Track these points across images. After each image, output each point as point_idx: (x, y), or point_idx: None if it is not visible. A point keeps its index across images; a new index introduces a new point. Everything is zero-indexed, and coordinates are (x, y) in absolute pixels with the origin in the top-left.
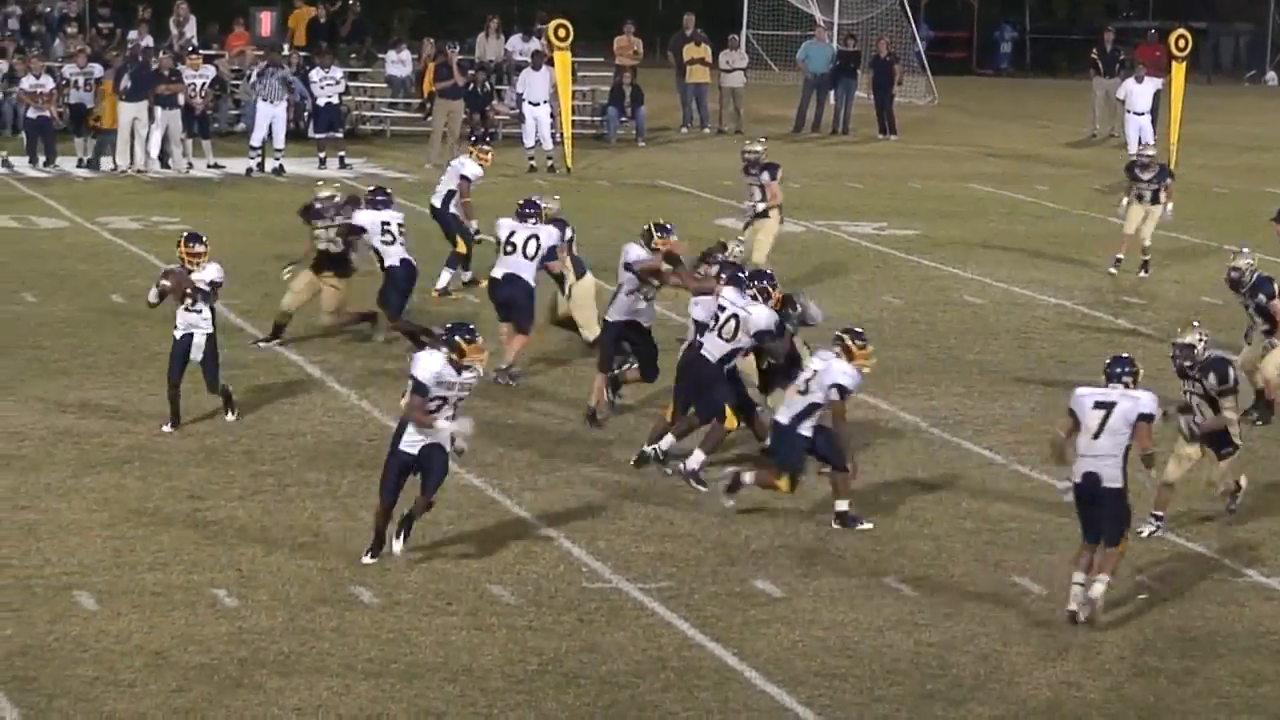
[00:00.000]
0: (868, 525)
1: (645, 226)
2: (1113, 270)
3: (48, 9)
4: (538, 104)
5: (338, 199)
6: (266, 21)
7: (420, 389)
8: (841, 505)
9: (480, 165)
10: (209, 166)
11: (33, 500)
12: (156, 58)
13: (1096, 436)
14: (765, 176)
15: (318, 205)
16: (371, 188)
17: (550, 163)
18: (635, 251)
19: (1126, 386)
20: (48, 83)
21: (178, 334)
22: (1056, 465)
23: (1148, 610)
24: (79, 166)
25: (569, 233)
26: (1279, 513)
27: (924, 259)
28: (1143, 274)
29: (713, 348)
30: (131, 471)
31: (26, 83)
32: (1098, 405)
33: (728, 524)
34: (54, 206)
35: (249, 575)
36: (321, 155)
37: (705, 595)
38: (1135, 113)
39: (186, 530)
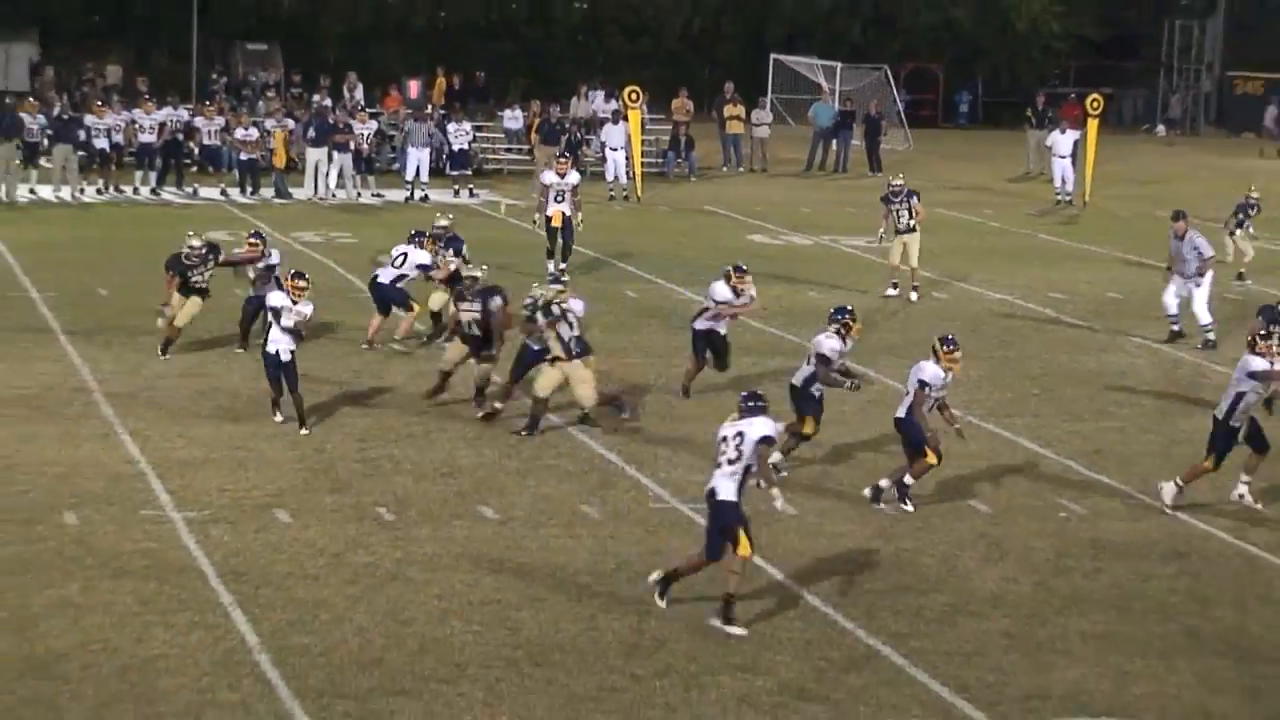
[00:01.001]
0: (910, 508)
1: (726, 269)
2: (892, 292)
3: (253, 78)
4: (616, 149)
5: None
6: (415, 87)
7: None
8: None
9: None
10: (373, 195)
11: (244, 442)
12: (334, 114)
13: None
14: (915, 200)
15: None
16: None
17: (625, 193)
18: (721, 290)
19: None
20: (254, 133)
21: (270, 349)
22: None
23: (1066, 525)
24: (275, 196)
25: (463, 249)
26: (1162, 449)
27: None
28: (914, 296)
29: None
30: (314, 423)
31: (238, 133)
32: None
33: None
34: (258, 225)
35: (402, 498)
36: (455, 188)
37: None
38: (1059, 156)
39: (355, 465)
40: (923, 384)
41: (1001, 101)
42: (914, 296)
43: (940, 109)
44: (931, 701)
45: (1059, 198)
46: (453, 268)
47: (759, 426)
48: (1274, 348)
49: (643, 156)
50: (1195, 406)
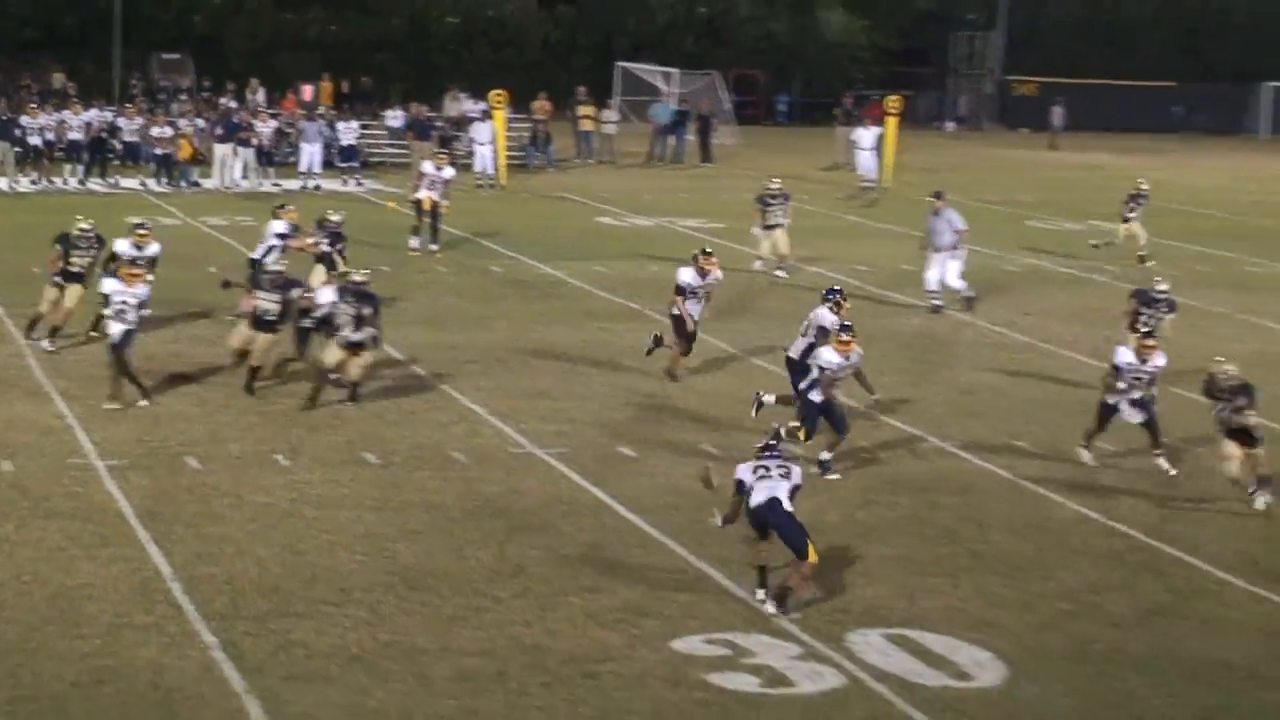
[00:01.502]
0: (836, 475)
1: (695, 252)
2: (781, 273)
3: (168, 83)
4: (483, 144)
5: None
6: (309, 91)
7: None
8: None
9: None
10: (272, 185)
11: (158, 400)
12: (238, 114)
13: None
14: (788, 203)
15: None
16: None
17: (491, 182)
18: (686, 274)
19: None
20: (169, 131)
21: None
22: None
23: (869, 465)
24: (185, 186)
25: (344, 248)
26: (948, 399)
27: (730, 243)
28: (782, 273)
29: (796, 345)
30: (217, 381)
31: (155, 131)
32: None
33: (605, 411)
34: (172, 210)
35: (296, 447)
36: (345, 178)
37: (588, 457)
38: (863, 149)
39: (254, 419)
40: (821, 369)
41: (815, 102)
42: (782, 274)
43: (763, 108)
44: (751, 616)
45: (863, 184)
46: (317, 246)
47: (795, 474)
48: (1148, 341)
49: (507, 150)
50: (976, 363)
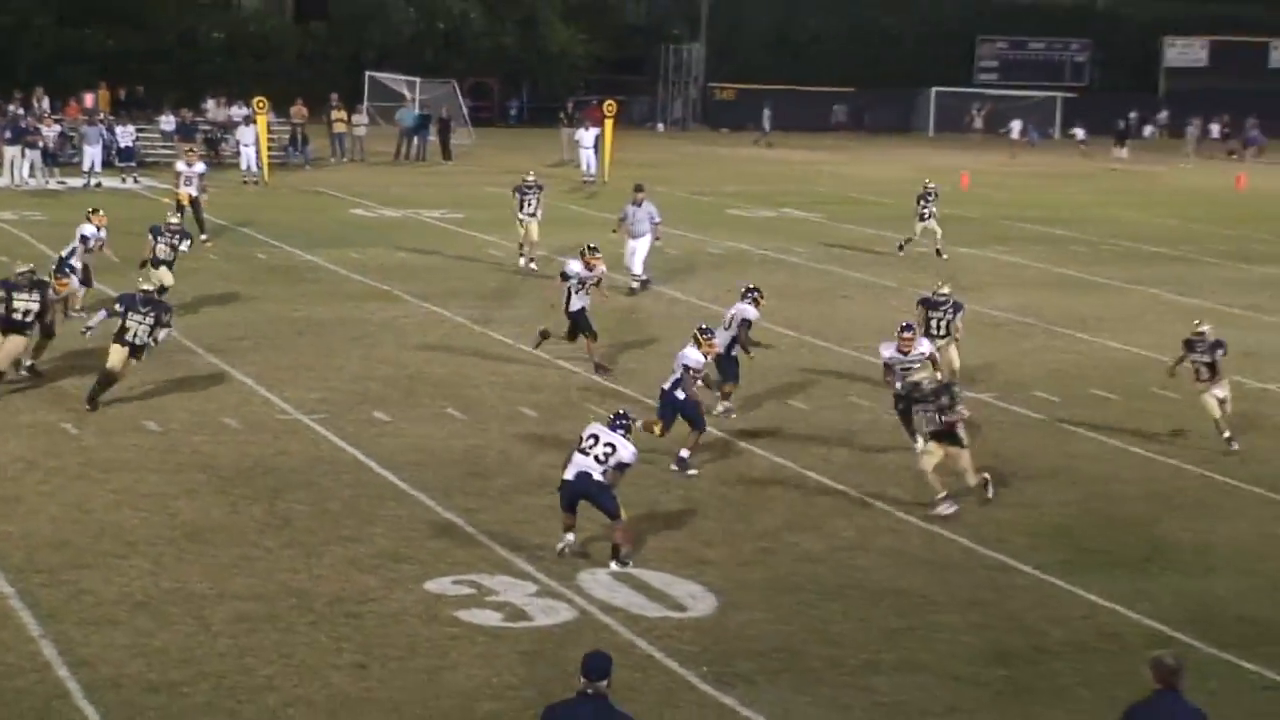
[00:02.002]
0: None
1: (581, 248)
2: (533, 266)
3: None
4: (248, 145)
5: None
6: (90, 99)
7: None
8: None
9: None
10: (58, 183)
11: None
12: (25, 119)
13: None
14: (542, 193)
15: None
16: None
17: (256, 179)
18: (574, 265)
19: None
20: None
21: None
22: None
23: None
24: None
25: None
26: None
27: (466, 230)
28: (532, 265)
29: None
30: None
31: None
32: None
33: (360, 380)
34: None
35: (82, 416)
36: (124, 177)
37: (346, 420)
38: (585, 148)
39: (45, 392)
40: (686, 368)
41: (542, 106)
42: (533, 265)
43: (496, 112)
44: (494, 559)
45: (585, 179)
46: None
47: (624, 453)
48: (906, 334)
49: (269, 151)
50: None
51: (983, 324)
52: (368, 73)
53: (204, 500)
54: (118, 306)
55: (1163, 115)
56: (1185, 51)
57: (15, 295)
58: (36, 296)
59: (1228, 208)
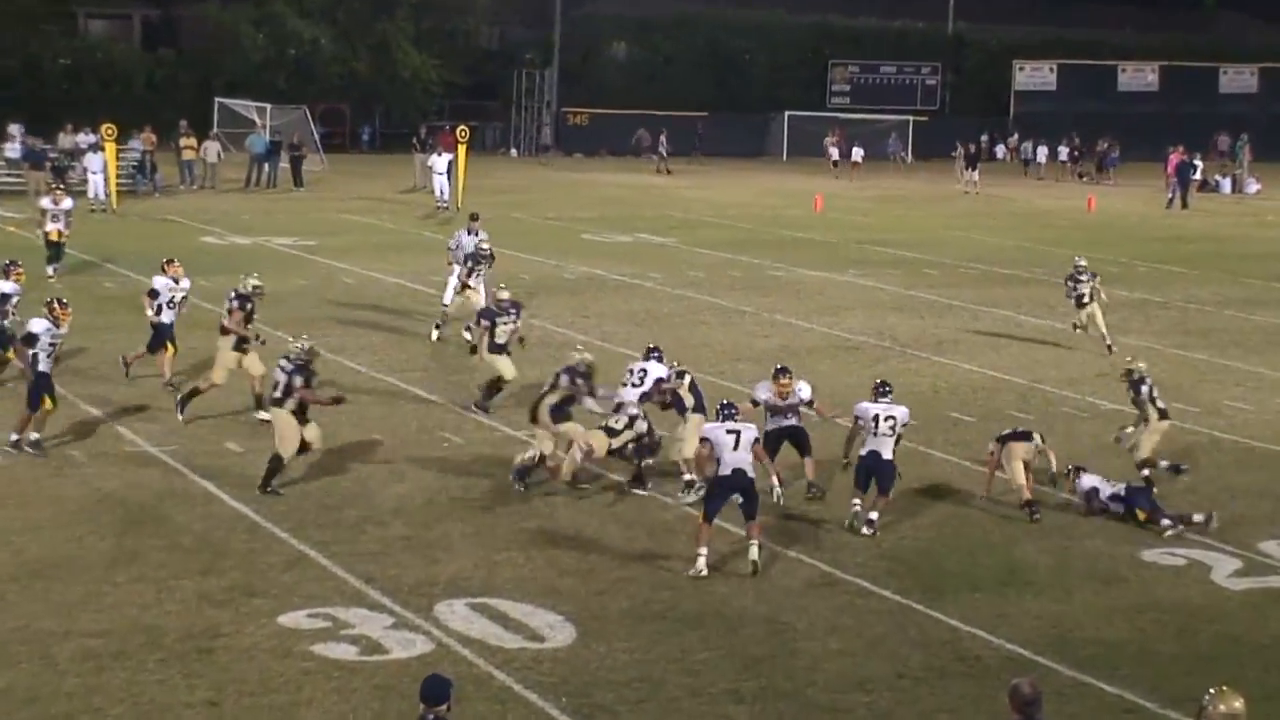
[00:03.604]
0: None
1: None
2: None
3: None
4: (96, 173)
5: None
6: None
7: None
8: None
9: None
10: None
11: None
12: None
13: (735, 449)
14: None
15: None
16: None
17: (104, 207)
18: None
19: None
20: None
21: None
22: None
23: (450, 451)
24: None
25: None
26: (517, 391)
27: (320, 258)
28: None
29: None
30: None
31: None
32: (729, 432)
33: (212, 411)
34: None
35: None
36: None
37: (197, 452)
38: (438, 173)
39: None
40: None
41: (394, 132)
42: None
43: (348, 138)
44: (349, 591)
45: (439, 205)
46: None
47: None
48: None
49: (118, 178)
50: (541, 358)
51: (838, 347)
52: (218, 99)
53: (50, 536)
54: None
55: (1013, 138)
56: (1034, 74)
57: None
58: None
59: (1079, 230)
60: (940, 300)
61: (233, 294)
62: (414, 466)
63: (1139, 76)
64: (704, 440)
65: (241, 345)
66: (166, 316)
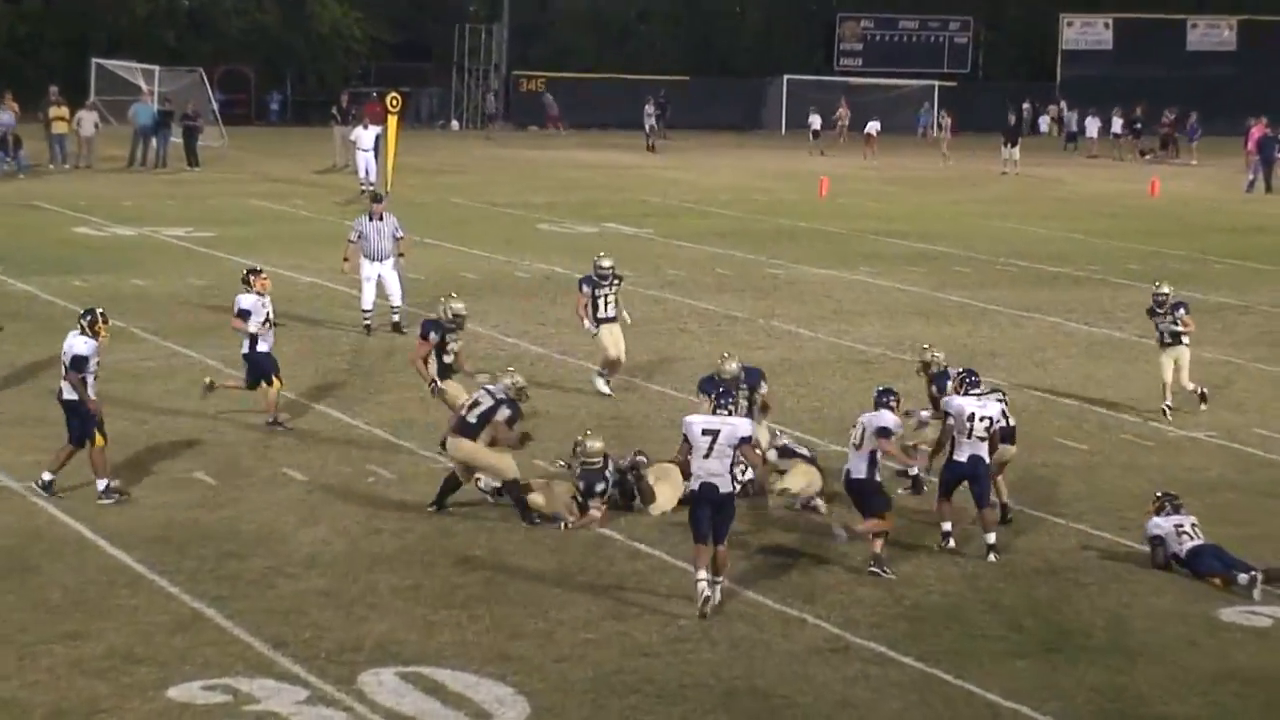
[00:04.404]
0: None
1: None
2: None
3: None
4: None
5: None
6: None
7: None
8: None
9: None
10: None
11: None
12: None
13: (707, 457)
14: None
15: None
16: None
17: None
18: (245, 300)
19: (730, 413)
20: None
21: None
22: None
23: (376, 489)
24: None
25: None
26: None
27: (220, 252)
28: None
29: None
30: None
31: None
32: (704, 432)
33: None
34: None
35: None
36: None
37: (69, 489)
38: (363, 150)
39: None
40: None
41: (309, 100)
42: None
43: (253, 107)
44: (253, 658)
45: (363, 188)
46: None
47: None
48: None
49: None
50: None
51: (849, 360)
52: (95, 60)
53: None
54: None
55: (1060, 107)
56: (1086, 31)
57: None
58: None
59: (1140, 218)
60: (973, 304)
61: (428, 322)
62: (333, 505)
63: (1212, 33)
64: (684, 440)
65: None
66: (264, 344)
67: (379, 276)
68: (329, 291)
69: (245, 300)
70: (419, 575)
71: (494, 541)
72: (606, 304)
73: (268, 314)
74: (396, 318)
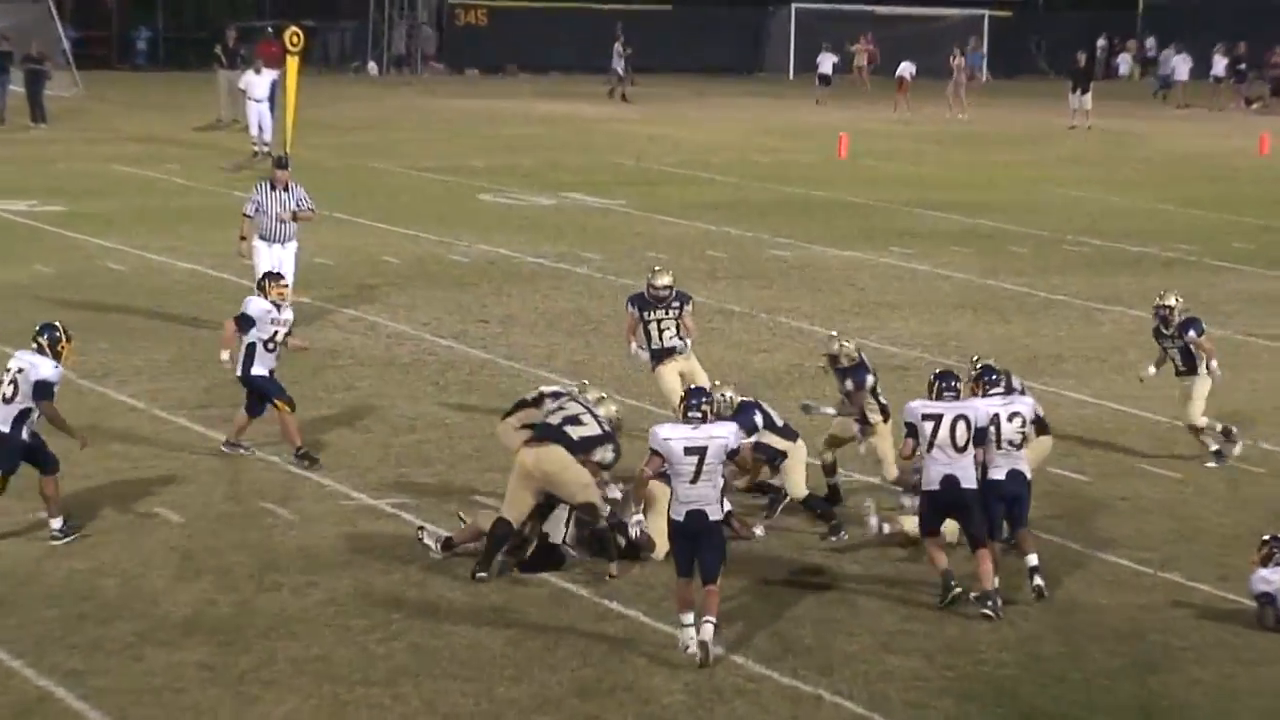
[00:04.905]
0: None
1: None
2: None
3: None
4: None
5: None
6: None
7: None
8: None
9: None
10: None
11: None
12: None
13: (694, 482)
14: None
15: None
16: None
17: None
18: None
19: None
20: None
21: None
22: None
23: (274, 534)
24: None
25: None
26: (383, 441)
27: (72, 231)
28: None
29: None
30: None
31: None
32: (689, 450)
33: None
34: None
35: None
36: None
37: None
38: (255, 100)
39: None
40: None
41: (186, 38)
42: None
43: (115, 47)
44: None
45: (256, 148)
46: None
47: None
48: None
49: None
50: (416, 391)
51: (881, 367)
52: None
53: None
54: None
55: (1144, 43)
56: None
57: None
58: None
59: (1248, 184)
60: (1034, 294)
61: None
62: (219, 554)
63: None
64: (653, 453)
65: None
66: (260, 365)
67: (279, 264)
68: (213, 282)
69: (253, 305)
70: (329, 643)
71: (425, 598)
72: (663, 333)
73: (277, 333)
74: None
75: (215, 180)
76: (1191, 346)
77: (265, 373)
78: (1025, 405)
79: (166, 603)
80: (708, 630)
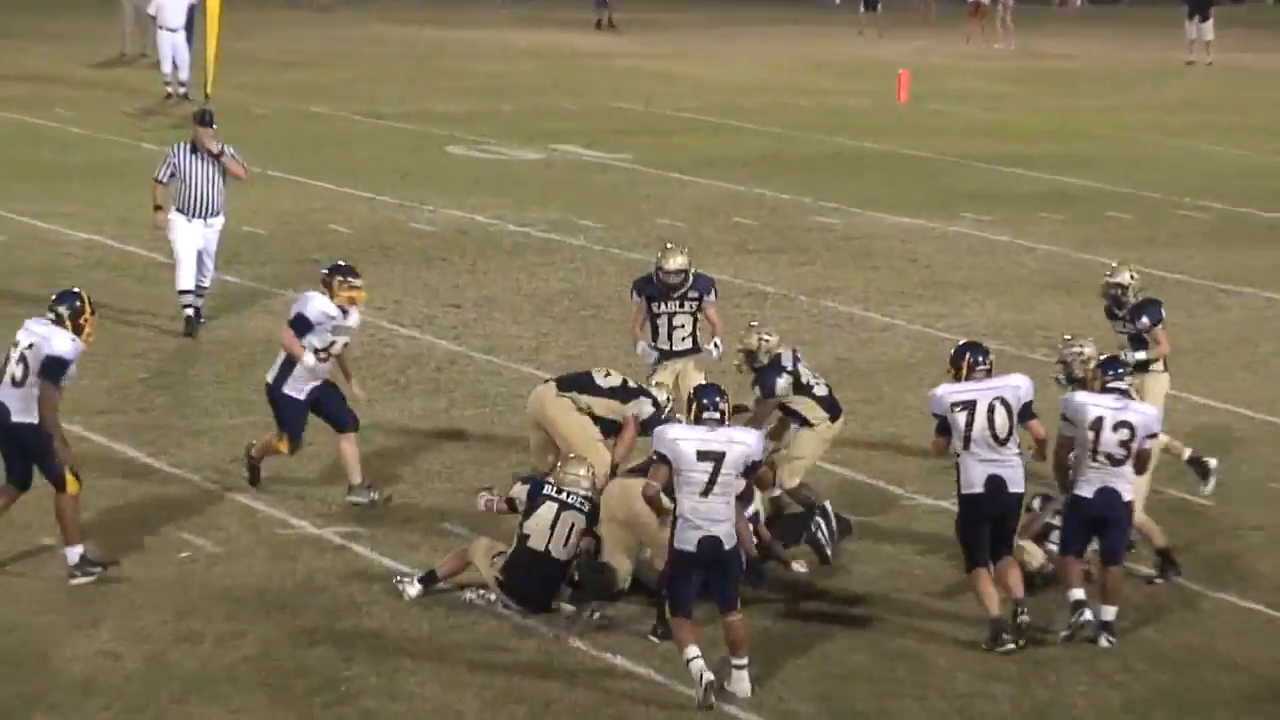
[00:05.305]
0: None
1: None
2: None
3: None
4: None
5: None
6: None
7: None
8: None
9: None
10: None
11: None
12: None
13: (706, 495)
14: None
15: None
16: None
17: None
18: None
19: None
20: None
21: None
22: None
23: (192, 571)
24: None
25: None
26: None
27: None
28: None
29: None
30: None
31: None
32: (702, 455)
33: None
34: None
35: None
36: None
37: None
38: (168, 29)
39: None
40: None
41: None
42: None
43: None
44: None
45: (171, 89)
46: None
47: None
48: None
49: None
50: (374, 388)
51: (945, 360)
52: None
53: None
54: None
55: None
56: None
57: None
58: None
59: None
60: (1139, 271)
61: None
62: (124, 597)
63: None
64: (660, 460)
65: None
66: (296, 385)
67: (204, 242)
68: (118, 256)
69: (313, 305)
70: (261, 707)
71: (378, 649)
72: (674, 330)
73: (334, 343)
74: (199, 303)
75: (117, 128)
76: (1145, 336)
77: (299, 395)
78: (1141, 417)
79: (58, 658)
80: (743, 682)
